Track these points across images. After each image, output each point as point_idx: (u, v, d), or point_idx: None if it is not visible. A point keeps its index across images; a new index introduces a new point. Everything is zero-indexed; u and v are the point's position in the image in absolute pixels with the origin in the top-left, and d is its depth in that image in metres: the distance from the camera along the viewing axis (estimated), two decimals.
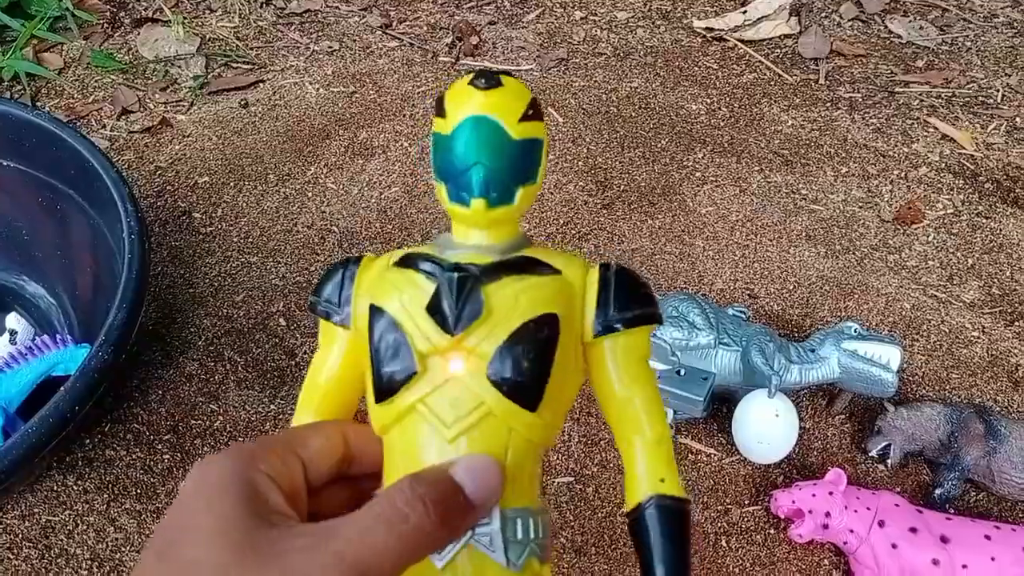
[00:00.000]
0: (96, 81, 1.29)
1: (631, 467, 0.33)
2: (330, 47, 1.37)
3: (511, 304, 0.31)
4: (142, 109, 1.24)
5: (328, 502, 0.32)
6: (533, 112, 0.33)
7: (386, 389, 0.32)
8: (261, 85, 1.29)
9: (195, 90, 1.26)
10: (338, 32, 1.40)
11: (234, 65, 1.32)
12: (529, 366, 0.31)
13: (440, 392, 0.31)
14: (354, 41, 1.38)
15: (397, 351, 0.31)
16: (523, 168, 0.33)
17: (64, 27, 1.37)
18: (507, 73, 0.33)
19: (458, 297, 0.31)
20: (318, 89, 1.28)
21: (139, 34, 1.37)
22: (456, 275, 0.31)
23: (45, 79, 1.28)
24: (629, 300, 0.33)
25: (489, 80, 0.32)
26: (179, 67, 1.31)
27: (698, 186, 1.11)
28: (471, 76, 0.33)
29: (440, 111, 0.33)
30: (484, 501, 0.29)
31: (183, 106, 1.25)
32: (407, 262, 0.33)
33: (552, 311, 0.32)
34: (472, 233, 0.33)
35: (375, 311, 0.32)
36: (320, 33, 1.40)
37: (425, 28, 1.41)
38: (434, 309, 0.31)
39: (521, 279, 0.32)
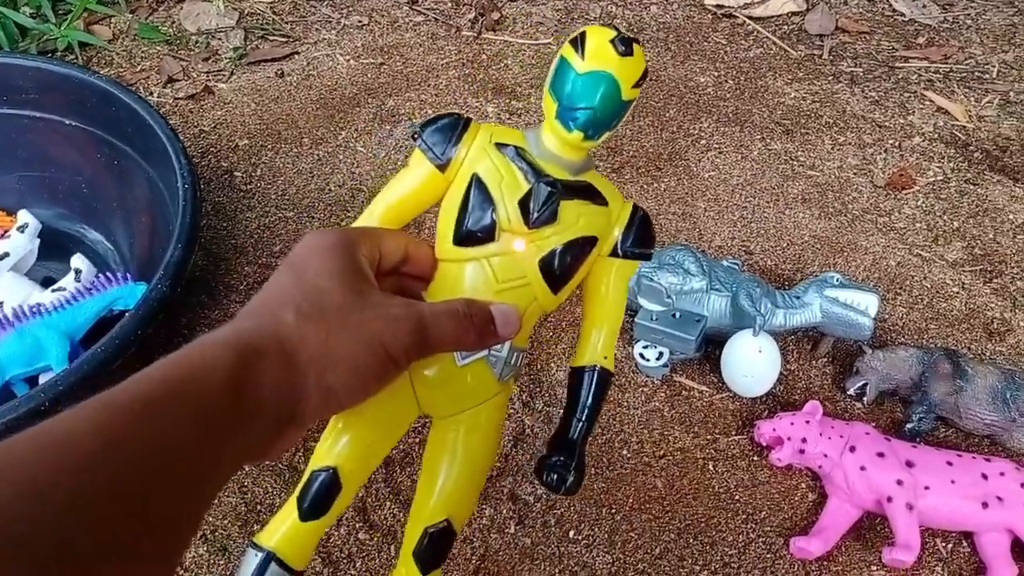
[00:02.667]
0: (143, 51, 1.38)
1: (588, 339, 0.48)
2: (360, 21, 1.45)
3: (573, 221, 0.44)
4: (186, 78, 1.33)
5: (384, 284, 0.42)
6: (642, 81, 0.43)
7: (465, 237, 0.44)
8: (296, 56, 1.38)
9: (234, 60, 1.36)
10: (367, 7, 1.49)
11: (270, 38, 1.41)
12: (567, 266, 0.44)
13: (503, 258, 0.43)
14: (382, 16, 1.47)
15: (484, 217, 0.43)
16: (618, 120, 0.43)
17: (113, 1, 1.46)
18: (636, 41, 0.42)
19: (544, 204, 0.42)
20: (348, 60, 1.37)
21: (182, 8, 1.46)
22: (548, 189, 0.42)
23: (96, 49, 1.38)
24: (641, 240, 0.47)
25: (626, 48, 0.41)
26: (219, 39, 1.41)
27: (702, 152, 1.19)
28: (614, 35, 0.42)
29: (579, 48, 0.42)
30: (504, 336, 0.42)
31: (224, 75, 1.34)
32: (506, 149, 0.44)
33: (595, 235, 0.45)
34: (560, 146, 0.44)
35: (478, 181, 0.44)
36: (350, 8, 1.48)
37: (449, 4, 1.49)
38: (524, 204, 0.43)
39: (584, 204, 0.44)
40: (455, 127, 0.45)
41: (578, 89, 0.41)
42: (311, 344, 0.35)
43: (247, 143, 1.21)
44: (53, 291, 0.91)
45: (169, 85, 1.32)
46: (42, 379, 0.89)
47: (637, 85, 0.43)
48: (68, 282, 0.93)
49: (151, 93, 1.30)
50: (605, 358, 0.47)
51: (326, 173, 1.17)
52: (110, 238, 1.01)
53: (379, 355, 0.37)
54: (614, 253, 0.46)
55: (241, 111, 1.27)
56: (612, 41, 0.41)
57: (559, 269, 0.44)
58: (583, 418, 0.47)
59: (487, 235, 0.43)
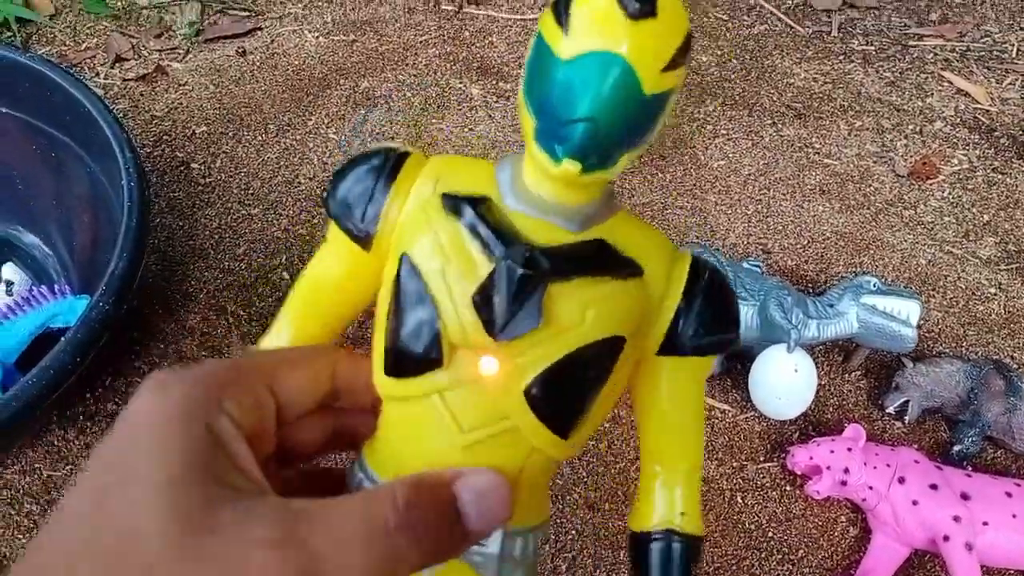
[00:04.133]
0: (88, 28, 1.25)
1: (650, 487, 0.30)
2: None
3: (576, 318, 0.25)
4: (136, 57, 1.20)
5: (300, 432, 0.28)
6: (680, 56, 0.24)
7: (399, 366, 0.26)
8: (258, 33, 1.25)
9: (190, 37, 1.23)
10: None
11: (230, 12, 1.28)
12: (575, 395, 0.26)
13: (463, 391, 0.26)
14: None
15: (421, 330, 0.26)
16: (642, 130, 0.25)
17: None
18: None
19: (515, 297, 0.25)
20: (317, 37, 1.24)
21: None
22: (520, 271, 0.25)
23: (36, 25, 1.24)
24: (712, 321, 0.28)
25: (643, 6, 0.23)
26: (173, 13, 1.27)
27: (710, 139, 1.09)
28: None
29: (560, 16, 0.24)
30: (484, 530, 0.26)
31: (178, 54, 1.21)
32: (458, 207, 0.26)
33: (620, 333, 0.26)
34: (551, 186, 0.26)
35: (408, 267, 0.26)
36: None
37: None
38: (482, 301, 0.25)
39: (595, 284, 0.26)
40: (378, 172, 0.28)
41: (563, 89, 0.24)
42: None
43: (205, 130, 1.09)
44: None
45: (117, 65, 1.19)
46: None
47: (673, 66, 0.24)
48: None
49: (97, 74, 1.17)
50: (683, 514, 0.30)
51: (295, 164, 1.05)
52: (48, 242, 0.89)
53: None
54: (670, 348, 0.28)
55: (198, 94, 1.14)
56: None
57: (561, 401, 0.26)
58: None
59: (429, 357, 0.26)
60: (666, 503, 0.30)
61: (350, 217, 0.28)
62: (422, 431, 0.26)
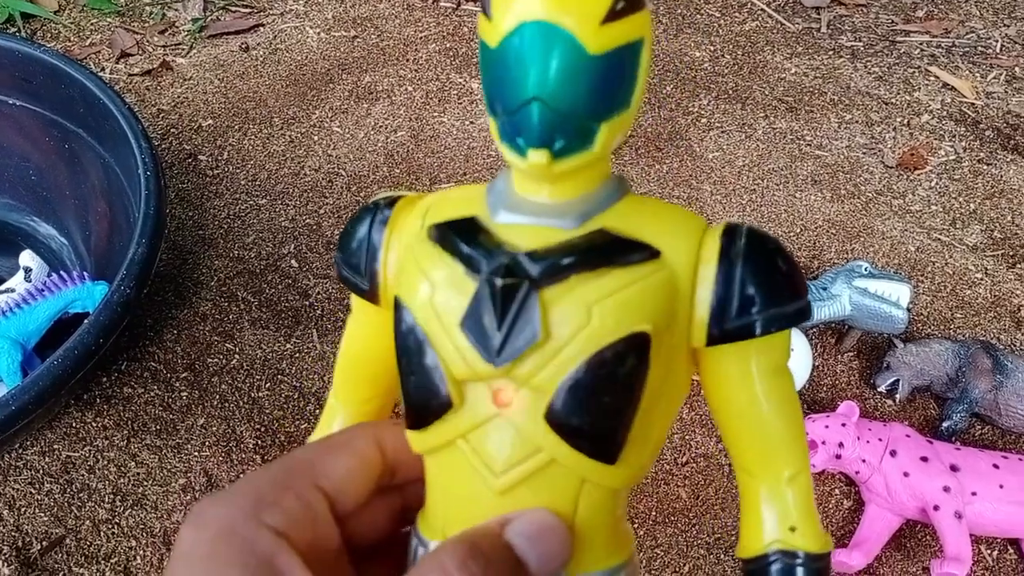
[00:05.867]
0: (93, 23, 1.27)
1: (754, 504, 0.25)
2: None
3: (580, 321, 0.22)
4: (141, 52, 1.22)
5: (367, 521, 0.26)
6: (625, 4, 0.21)
7: (417, 416, 0.24)
8: (261, 29, 1.27)
9: (194, 33, 1.25)
10: None
11: (232, 8, 1.30)
12: (604, 409, 0.22)
13: (485, 430, 0.23)
14: None
15: (426, 374, 0.23)
16: (607, 94, 0.22)
17: None
18: None
19: (503, 312, 0.22)
20: (319, 33, 1.26)
21: None
22: (500, 282, 0.22)
23: (41, 21, 1.25)
24: (764, 290, 0.23)
25: None
26: (177, 10, 1.29)
27: (704, 132, 1.12)
28: None
29: (484, 5, 0.22)
30: (548, 571, 0.23)
31: (182, 49, 1.23)
32: (442, 234, 0.24)
33: (641, 329, 0.22)
34: (534, 186, 0.24)
35: (398, 306, 0.24)
36: None
37: None
38: (471, 325, 0.22)
39: (597, 278, 0.22)
40: (370, 223, 0.26)
41: (502, 76, 0.22)
42: None
43: (211, 123, 1.11)
44: (0, 293, 0.81)
45: (122, 60, 1.21)
46: None
47: (619, 14, 0.21)
48: (17, 283, 0.82)
49: (103, 69, 1.19)
50: (793, 530, 0.25)
51: (300, 156, 1.07)
52: (63, 231, 0.91)
53: None
54: (720, 334, 0.23)
55: (203, 88, 1.16)
56: None
57: (588, 420, 0.22)
58: None
59: (437, 400, 0.23)
60: (773, 520, 0.25)
61: (355, 275, 0.26)
62: (456, 481, 0.24)
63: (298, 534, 0.23)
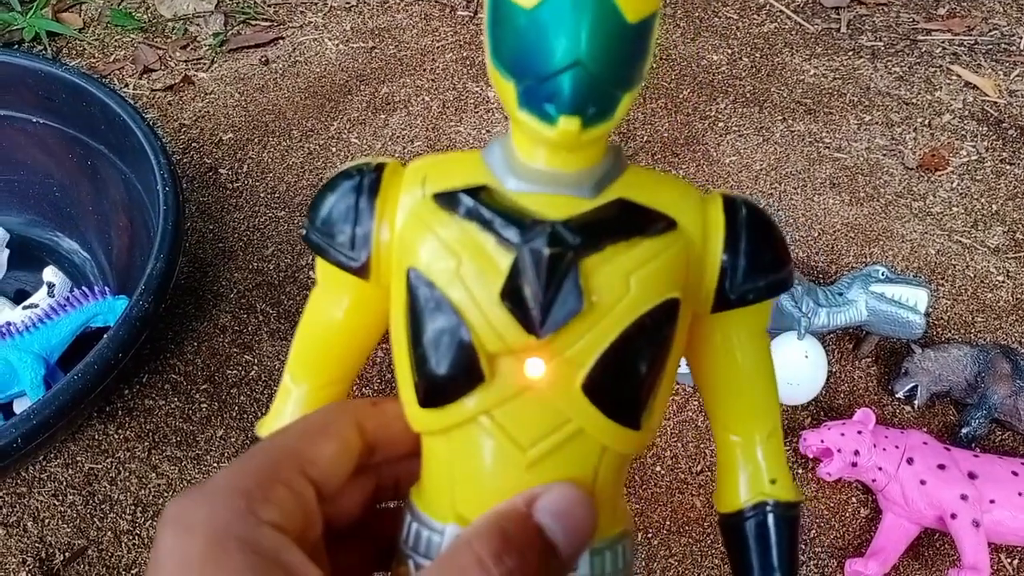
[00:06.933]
0: (116, 40, 1.29)
1: (732, 461, 0.27)
2: (347, 3, 1.36)
3: (620, 291, 0.22)
4: (163, 67, 1.24)
5: (342, 503, 0.25)
6: None
7: (434, 395, 0.23)
8: (280, 42, 1.29)
9: (215, 48, 1.27)
10: None
11: (253, 22, 1.32)
12: (639, 377, 0.23)
13: (513, 405, 0.23)
14: None
15: (450, 346, 0.22)
16: (636, 63, 0.22)
17: None
18: None
19: (548, 283, 0.22)
20: (337, 45, 1.28)
21: None
22: (547, 251, 0.22)
23: (66, 39, 1.28)
24: (763, 261, 0.24)
25: None
26: (198, 25, 1.31)
27: (721, 136, 1.11)
28: None
29: None
30: (577, 551, 0.22)
31: (204, 64, 1.25)
32: (456, 202, 0.23)
33: (674, 295, 0.23)
34: (547, 155, 0.23)
35: (421, 282, 0.23)
36: None
37: None
38: (512, 297, 0.22)
39: (631, 248, 0.23)
40: (357, 190, 0.24)
41: (537, 39, 0.21)
42: None
43: (232, 137, 1.13)
44: (24, 308, 0.83)
45: (145, 76, 1.23)
46: (16, 406, 0.82)
47: None
48: (40, 298, 0.84)
49: (126, 85, 1.21)
50: (773, 482, 0.26)
51: (319, 167, 1.09)
52: (86, 246, 0.93)
53: None
54: (724, 301, 0.25)
55: (224, 102, 1.18)
56: None
57: (626, 388, 0.23)
58: None
59: (467, 375, 0.23)
60: (752, 474, 0.27)
61: (338, 247, 0.24)
62: (476, 460, 0.23)
63: (292, 526, 0.21)
